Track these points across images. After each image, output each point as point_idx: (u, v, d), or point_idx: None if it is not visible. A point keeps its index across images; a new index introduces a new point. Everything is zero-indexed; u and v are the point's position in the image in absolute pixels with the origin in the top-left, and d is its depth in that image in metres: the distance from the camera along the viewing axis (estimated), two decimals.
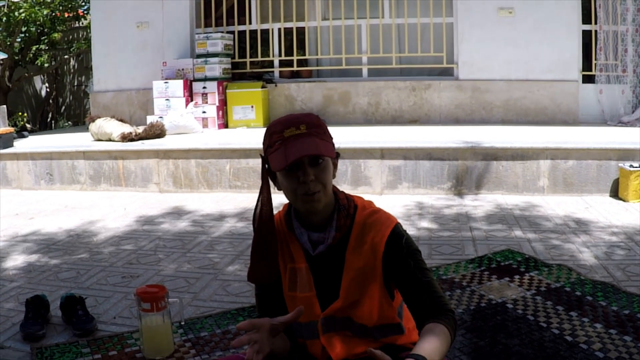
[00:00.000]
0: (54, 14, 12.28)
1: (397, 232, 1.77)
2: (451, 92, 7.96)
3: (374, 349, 1.52)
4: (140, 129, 7.03)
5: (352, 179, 5.86)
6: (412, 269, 1.73)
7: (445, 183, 5.75)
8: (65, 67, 14.50)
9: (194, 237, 4.57)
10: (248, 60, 8.76)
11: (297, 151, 1.65)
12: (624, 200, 5.25)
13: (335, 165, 1.79)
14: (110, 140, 6.92)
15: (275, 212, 1.82)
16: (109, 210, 5.63)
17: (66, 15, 12.73)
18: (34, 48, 13.08)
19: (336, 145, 1.78)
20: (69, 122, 14.16)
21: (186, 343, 2.73)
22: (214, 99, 8.11)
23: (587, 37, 7.69)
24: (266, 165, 1.76)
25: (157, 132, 7.06)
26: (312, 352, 1.82)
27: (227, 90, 8.26)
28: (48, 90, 14.56)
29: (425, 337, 1.60)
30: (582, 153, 5.51)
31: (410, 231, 4.36)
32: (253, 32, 8.78)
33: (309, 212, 1.75)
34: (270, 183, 1.79)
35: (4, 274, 3.82)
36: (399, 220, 1.82)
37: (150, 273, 3.76)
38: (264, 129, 1.75)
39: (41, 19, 11.62)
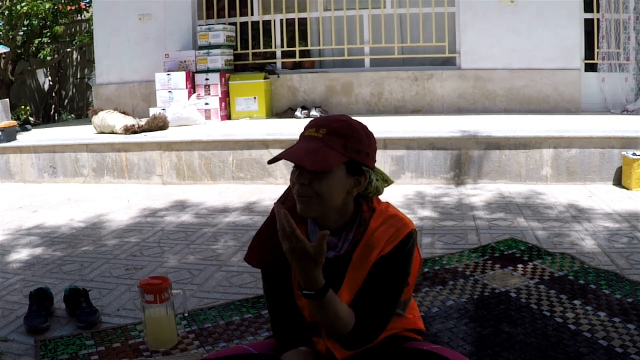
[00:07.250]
0: (56, 7, 12.27)
1: (404, 243, 1.73)
2: (453, 82, 7.94)
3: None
4: (143, 121, 7.03)
5: None
6: (382, 281, 1.72)
7: (448, 172, 5.74)
8: (67, 60, 14.50)
9: (198, 229, 4.58)
10: (250, 51, 8.74)
11: (291, 152, 1.66)
12: (626, 189, 5.24)
13: (358, 181, 1.71)
14: (113, 132, 6.92)
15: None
16: (112, 202, 5.63)
17: (68, 8, 12.73)
18: (36, 41, 13.08)
19: None
20: (72, 115, 14.17)
21: (190, 334, 2.74)
22: (216, 90, 8.11)
23: (589, 25, 7.66)
24: None
25: (159, 124, 7.06)
26: (318, 350, 1.82)
27: (230, 82, 8.25)
28: (51, 83, 14.56)
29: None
30: (585, 141, 5.50)
31: (414, 221, 4.35)
32: (255, 24, 8.76)
33: (300, 212, 1.71)
34: None
35: (7, 267, 3.84)
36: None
37: (153, 265, 3.77)
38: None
39: (43, 12, 11.61)
